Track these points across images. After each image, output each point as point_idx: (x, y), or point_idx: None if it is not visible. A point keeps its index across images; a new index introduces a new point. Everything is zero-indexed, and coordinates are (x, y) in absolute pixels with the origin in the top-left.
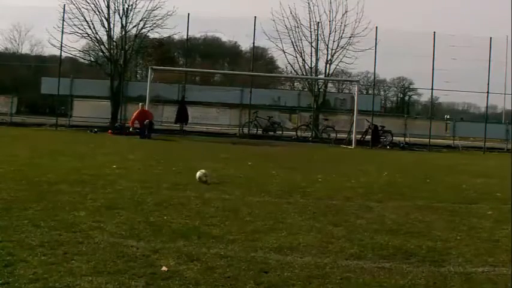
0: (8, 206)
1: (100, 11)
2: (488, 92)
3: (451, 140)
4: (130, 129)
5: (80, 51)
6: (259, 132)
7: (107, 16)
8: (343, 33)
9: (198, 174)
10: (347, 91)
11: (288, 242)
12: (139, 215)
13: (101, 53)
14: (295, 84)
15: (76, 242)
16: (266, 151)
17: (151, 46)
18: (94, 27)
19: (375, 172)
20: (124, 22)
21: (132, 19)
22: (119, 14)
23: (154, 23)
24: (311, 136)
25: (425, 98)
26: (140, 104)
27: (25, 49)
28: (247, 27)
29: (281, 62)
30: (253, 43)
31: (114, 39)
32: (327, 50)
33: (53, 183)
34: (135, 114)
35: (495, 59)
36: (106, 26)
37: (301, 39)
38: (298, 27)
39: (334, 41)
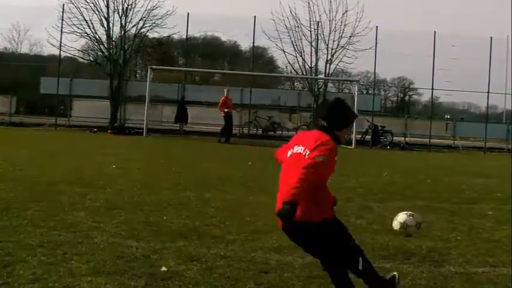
0: (7, 206)
1: (99, 10)
2: (488, 92)
3: (452, 140)
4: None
5: (79, 50)
6: (259, 132)
7: (106, 15)
8: (343, 32)
9: (401, 221)
10: (347, 91)
11: (288, 242)
12: (139, 215)
13: (100, 53)
14: (295, 84)
15: (76, 242)
16: (266, 151)
17: (150, 46)
18: (93, 27)
19: (375, 172)
20: (123, 21)
21: (131, 18)
22: (118, 14)
23: (154, 23)
24: None
25: (425, 98)
26: (226, 89)
27: (24, 49)
28: (247, 27)
29: (281, 61)
30: (253, 43)
31: (113, 39)
32: (327, 50)
33: (52, 183)
34: (221, 101)
35: (495, 58)
36: (105, 25)
37: (301, 39)
38: (298, 26)
39: (334, 41)
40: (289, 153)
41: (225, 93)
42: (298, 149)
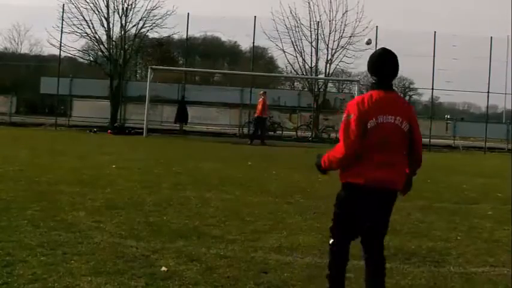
0: (7, 206)
1: (99, 10)
2: (488, 92)
3: (452, 140)
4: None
5: (79, 50)
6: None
7: (106, 15)
8: (343, 32)
9: None
10: (347, 91)
11: (288, 242)
12: (139, 215)
13: (100, 53)
14: (295, 84)
15: (75, 242)
16: (266, 151)
17: (150, 46)
18: (93, 27)
19: None
20: (123, 21)
21: (131, 18)
22: (118, 14)
23: (154, 23)
24: (311, 136)
25: (425, 98)
26: (262, 91)
27: (24, 49)
28: (247, 27)
29: (281, 62)
30: (253, 43)
31: (113, 39)
32: (327, 50)
33: (52, 183)
34: (262, 103)
35: (495, 58)
36: (105, 25)
37: (301, 39)
38: (298, 26)
39: (334, 41)
40: (387, 119)
41: (262, 95)
42: (400, 121)
